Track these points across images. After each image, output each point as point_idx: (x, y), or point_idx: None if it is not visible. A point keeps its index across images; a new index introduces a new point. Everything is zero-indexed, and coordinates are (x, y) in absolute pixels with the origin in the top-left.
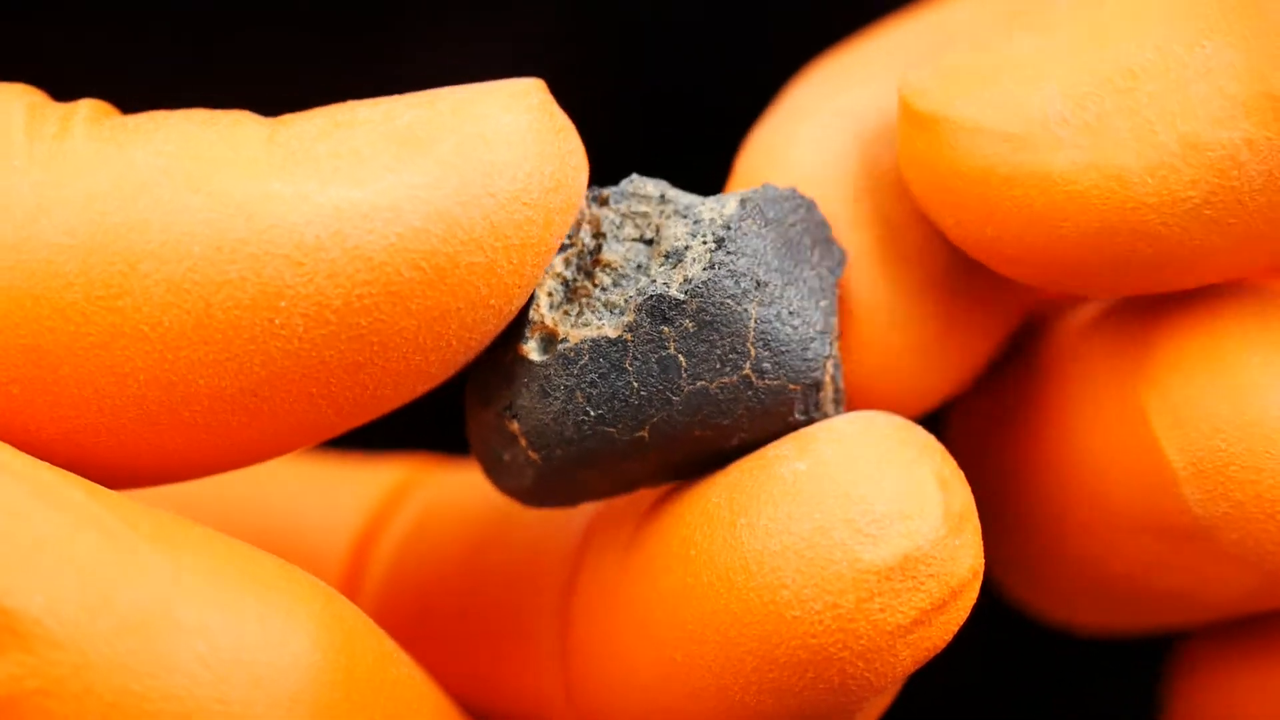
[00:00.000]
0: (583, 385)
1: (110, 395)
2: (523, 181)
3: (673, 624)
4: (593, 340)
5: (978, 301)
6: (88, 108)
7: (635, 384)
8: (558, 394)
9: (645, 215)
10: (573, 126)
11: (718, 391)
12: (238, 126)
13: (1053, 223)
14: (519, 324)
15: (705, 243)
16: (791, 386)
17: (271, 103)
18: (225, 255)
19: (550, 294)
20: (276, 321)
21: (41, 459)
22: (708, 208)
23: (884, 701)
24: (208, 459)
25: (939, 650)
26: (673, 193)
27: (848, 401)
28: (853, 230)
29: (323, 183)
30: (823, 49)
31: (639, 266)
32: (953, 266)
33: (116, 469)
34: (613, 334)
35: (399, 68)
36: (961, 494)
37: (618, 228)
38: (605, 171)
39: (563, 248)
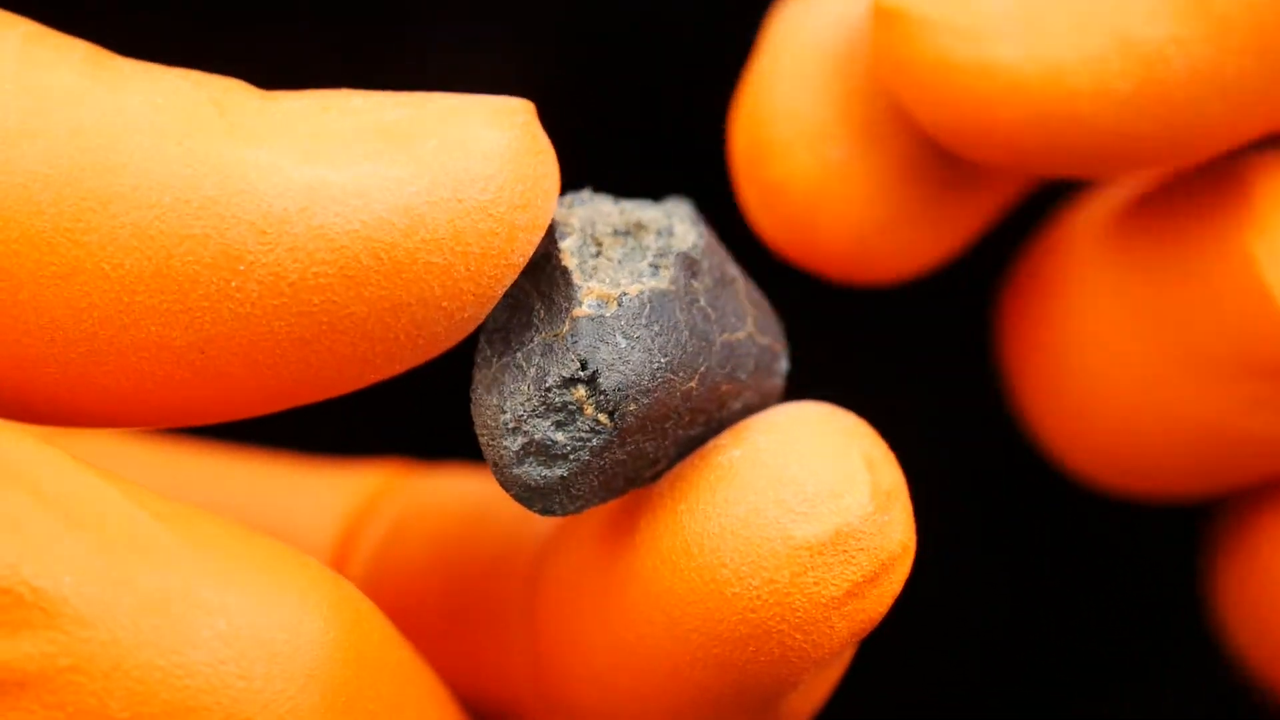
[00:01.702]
0: (651, 333)
1: (63, 327)
2: (493, 194)
3: (624, 607)
4: (650, 291)
5: (961, 176)
6: (85, 49)
7: (687, 333)
8: (636, 342)
9: (609, 214)
10: (553, 152)
11: (736, 344)
12: (229, 92)
13: (996, 109)
14: (548, 308)
15: (683, 222)
16: (775, 346)
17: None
18: (193, 210)
19: (579, 267)
20: (232, 284)
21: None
22: (662, 207)
23: (833, 674)
24: (147, 408)
25: (874, 622)
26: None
27: (862, 260)
28: (865, 102)
29: (299, 159)
30: None
31: (639, 246)
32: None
33: (58, 403)
34: (662, 286)
35: (400, 66)
36: (889, 473)
37: (594, 223)
38: (608, 171)
39: (564, 235)
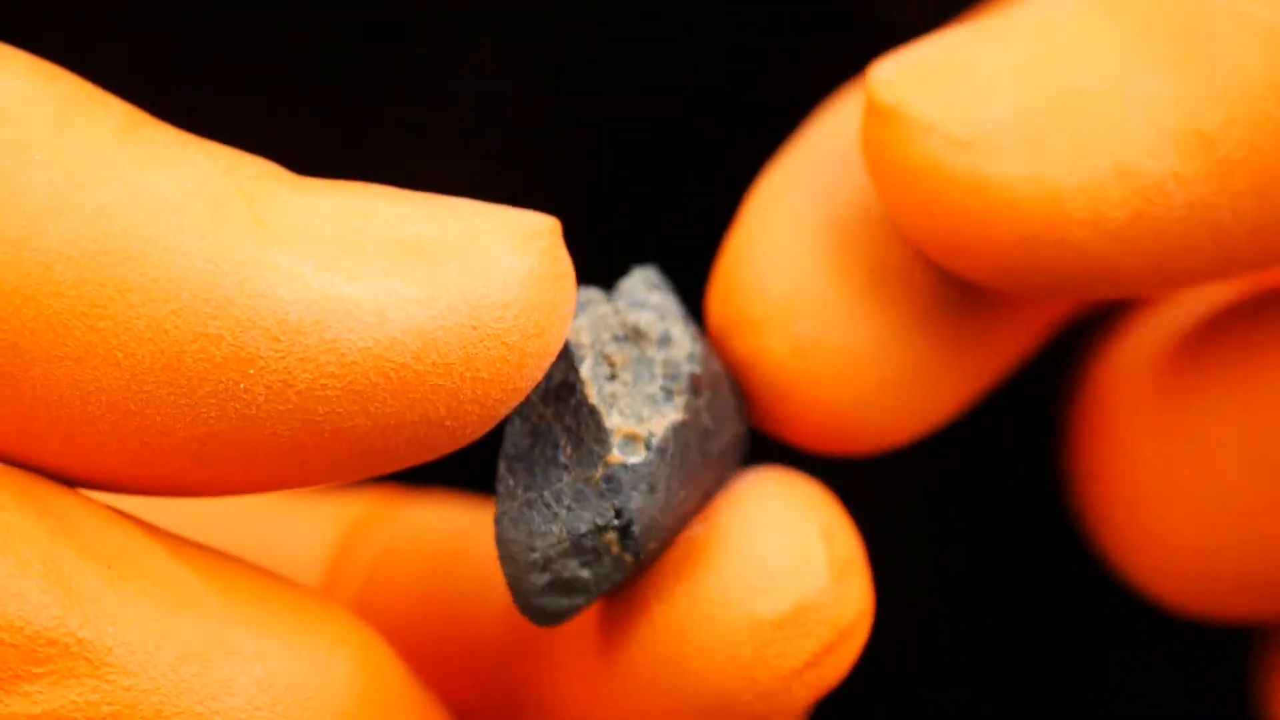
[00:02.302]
0: (672, 469)
1: (70, 407)
2: (508, 324)
3: (604, 679)
4: (671, 427)
5: (972, 331)
6: (120, 114)
7: (698, 458)
8: (661, 487)
9: (607, 316)
10: (573, 274)
11: (727, 448)
12: (259, 180)
13: (987, 226)
14: (575, 446)
15: (677, 324)
16: (744, 425)
17: (271, 100)
18: (210, 309)
19: (601, 400)
20: (241, 385)
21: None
22: (648, 306)
23: None
24: (148, 485)
25: (833, 686)
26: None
27: (839, 435)
28: (840, 273)
29: (319, 268)
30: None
31: (643, 359)
32: (940, 302)
33: (58, 471)
34: (679, 419)
35: (400, 65)
36: (846, 543)
37: (599, 333)
38: (608, 170)
39: (580, 359)
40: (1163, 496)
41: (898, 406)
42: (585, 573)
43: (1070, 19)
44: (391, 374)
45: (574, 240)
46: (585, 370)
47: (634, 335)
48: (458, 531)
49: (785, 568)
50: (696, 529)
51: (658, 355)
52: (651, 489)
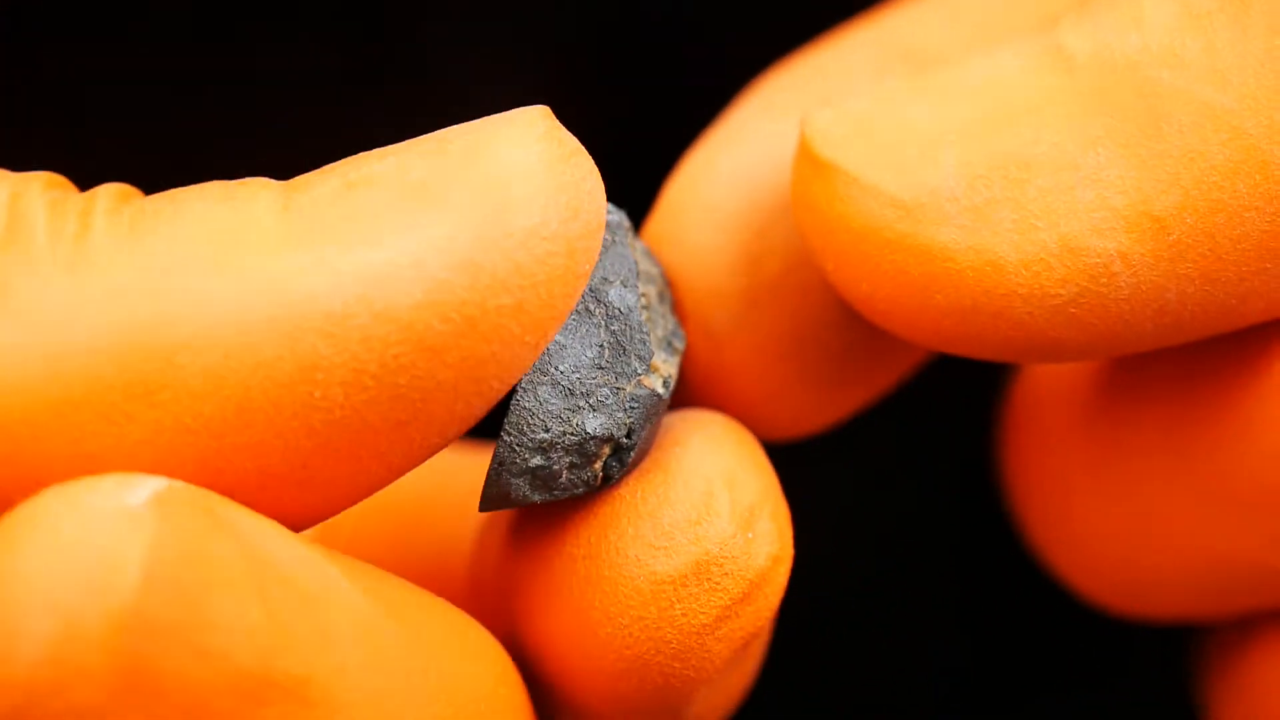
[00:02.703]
0: (659, 419)
1: None
2: (539, 215)
3: (526, 641)
4: (674, 375)
5: (863, 339)
6: (106, 196)
7: (663, 410)
8: (651, 428)
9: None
10: (582, 148)
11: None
12: (252, 199)
13: (926, 292)
14: (615, 354)
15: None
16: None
17: (271, 100)
18: (257, 336)
19: (650, 327)
20: (316, 394)
21: None
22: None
23: (745, 669)
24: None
25: (754, 636)
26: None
27: (755, 422)
28: (755, 265)
29: (342, 247)
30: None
31: (661, 311)
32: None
33: None
34: (674, 372)
35: (399, 66)
36: (752, 485)
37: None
38: (607, 169)
39: (648, 280)
40: (1089, 498)
41: (813, 396)
42: (566, 475)
43: (1019, 80)
44: (454, 315)
45: None
46: (642, 286)
47: (646, 279)
48: (418, 495)
49: (683, 521)
50: (597, 489)
51: (663, 307)
52: (651, 425)
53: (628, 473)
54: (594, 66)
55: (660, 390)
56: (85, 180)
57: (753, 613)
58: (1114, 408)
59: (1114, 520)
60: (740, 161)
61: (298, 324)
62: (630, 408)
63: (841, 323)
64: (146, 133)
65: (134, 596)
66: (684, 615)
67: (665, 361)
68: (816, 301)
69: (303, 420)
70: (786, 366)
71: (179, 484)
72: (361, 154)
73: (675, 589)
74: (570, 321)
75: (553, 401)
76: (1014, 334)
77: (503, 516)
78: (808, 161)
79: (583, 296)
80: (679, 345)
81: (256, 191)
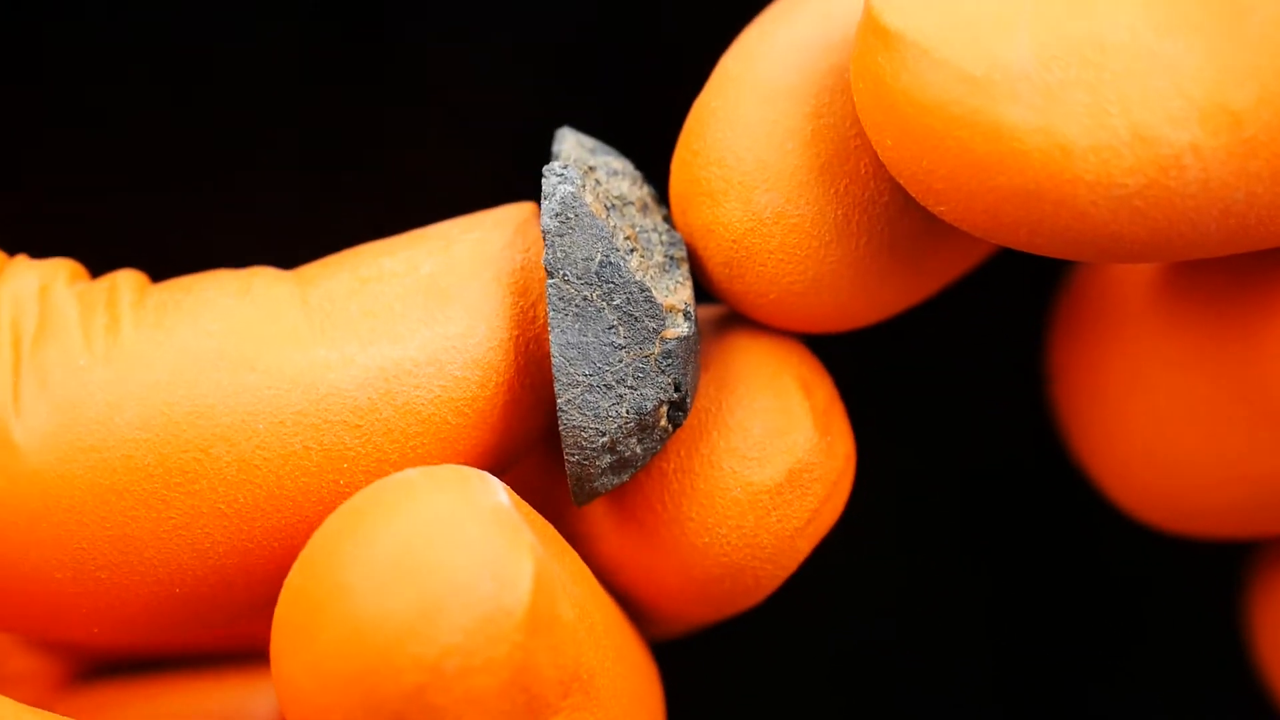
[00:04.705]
0: (698, 340)
1: (191, 569)
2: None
3: (613, 563)
4: (691, 293)
5: (916, 233)
6: (128, 288)
7: (699, 330)
8: (695, 356)
9: (603, 184)
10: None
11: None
12: (270, 294)
13: (988, 173)
14: (629, 326)
15: (644, 185)
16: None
17: (271, 99)
18: (289, 429)
19: (645, 276)
20: (341, 482)
21: (122, 632)
22: (612, 170)
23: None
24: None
25: (830, 527)
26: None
27: (792, 313)
28: (806, 146)
29: (364, 344)
30: None
31: (644, 230)
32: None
33: (195, 627)
34: (691, 295)
35: (399, 66)
36: (823, 388)
37: (609, 201)
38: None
39: (614, 232)
40: (1138, 412)
41: (854, 288)
42: (640, 448)
43: None
44: (467, 410)
45: None
46: (622, 247)
47: (620, 205)
48: None
49: (773, 431)
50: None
51: (647, 222)
52: (693, 360)
53: (693, 396)
54: (594, 66)
55: (684, 330)
56: (86, 180)
57: (831, 509)
58: (1166, 319)
59: (1163, 435)
60: (798, 35)
61: (325, 416)
62: (665, 366)
63: (893, 212)
64: (146, 132)
65: (530, 596)
66: (779, 521)
67: (677, 288)
68: (870, 187)
69: (329, 506)
70: (832, 253)
71: (493, 478)
72: (360, 247)
73: (771, 497)
74: (571, 321)
75: (595, 404)
76: (1075, 224)
77: None
78: (872, 31)
79: (573, 292)
80: (679, 253)
81: (271, 284)
